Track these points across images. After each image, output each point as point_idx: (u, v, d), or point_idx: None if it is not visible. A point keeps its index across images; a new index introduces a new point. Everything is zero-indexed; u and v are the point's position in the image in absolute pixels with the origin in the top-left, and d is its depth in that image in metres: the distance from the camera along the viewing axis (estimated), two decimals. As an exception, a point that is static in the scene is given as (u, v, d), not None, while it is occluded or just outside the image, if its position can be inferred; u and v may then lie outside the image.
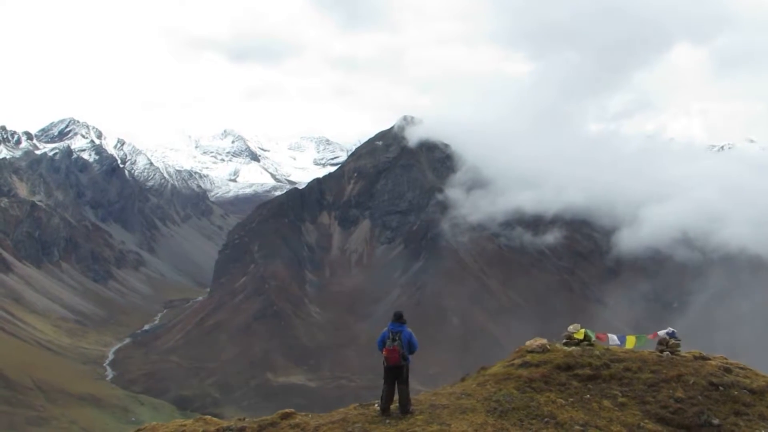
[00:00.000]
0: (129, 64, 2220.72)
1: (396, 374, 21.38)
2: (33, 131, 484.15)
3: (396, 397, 21.59)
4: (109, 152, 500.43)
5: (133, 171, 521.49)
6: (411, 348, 21.43)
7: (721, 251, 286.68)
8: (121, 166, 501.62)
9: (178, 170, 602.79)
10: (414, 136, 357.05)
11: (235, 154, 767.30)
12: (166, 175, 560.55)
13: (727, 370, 24.31)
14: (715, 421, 21.17)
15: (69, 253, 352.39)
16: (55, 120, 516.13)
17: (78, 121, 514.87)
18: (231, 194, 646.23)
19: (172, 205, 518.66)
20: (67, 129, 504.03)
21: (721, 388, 22.86)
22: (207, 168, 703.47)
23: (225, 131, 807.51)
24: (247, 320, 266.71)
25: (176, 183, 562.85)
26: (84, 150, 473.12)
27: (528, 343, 27.23)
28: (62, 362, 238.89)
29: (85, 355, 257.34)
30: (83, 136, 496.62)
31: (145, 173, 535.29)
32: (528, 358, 25.62)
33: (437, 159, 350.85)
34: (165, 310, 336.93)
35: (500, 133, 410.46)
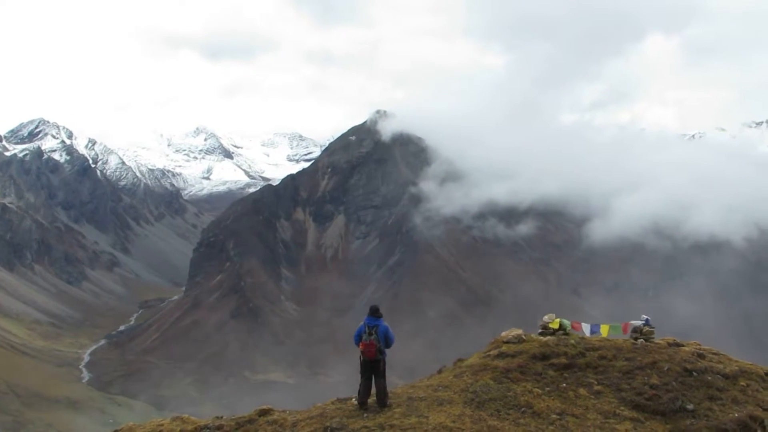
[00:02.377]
0: (100, 64, 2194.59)
1: (373, 368, 21.37)
2: (2, 132, 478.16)
3: (373, 391, 21.57)
4: (81, 152, 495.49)
5: (105, 171, 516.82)
6: (387, 342, 21.41)
7: (691, 239, 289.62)
8: (93, 166, 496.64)
9: (150, 169, 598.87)
10: (387, 130, 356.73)
11: (208, 152, 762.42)
12: (138, 174, 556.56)
13: (701, 356, 24.58)
14: (690, 407, 21.38)
15: (42, 255, 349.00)
16: (25, 121, 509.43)
17: (48, 122, 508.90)
18: (204, 192, 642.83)
19: (145, 204, 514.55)
20: (37, 129, 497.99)
21: (695, 373, 23.10)
22: (180, 166, 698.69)
23: (197, 129, 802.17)
24: (223, 318, 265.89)
25: (149, 182, 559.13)
26: (55, 150, 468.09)
27: (504, 333, 27.34)
28: (37, 365, 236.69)
29: (60, 358, 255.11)
30: (54, 137, 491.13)
31: (117, 173, 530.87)
32: (504, 348, 25.73)
33: (411, 153, 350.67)
34: (140, 311, 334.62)
35: (475, 126, 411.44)
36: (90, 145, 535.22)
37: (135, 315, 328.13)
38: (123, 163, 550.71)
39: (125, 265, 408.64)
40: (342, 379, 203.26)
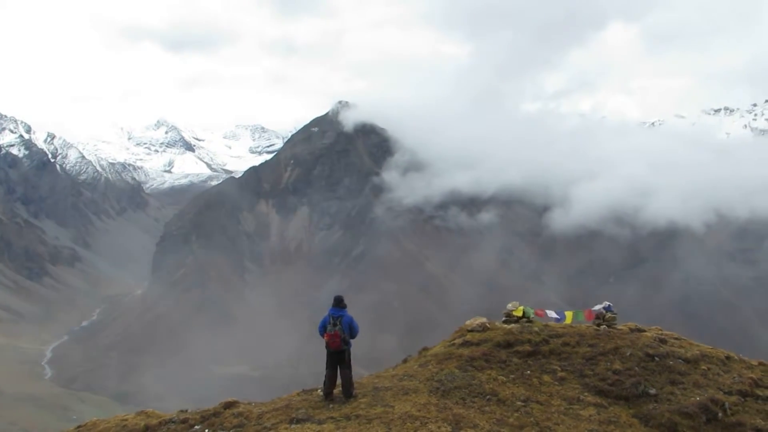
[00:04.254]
0: (59, 56, 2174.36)
1: (338, 359, 21.32)
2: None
3: (339, 381, 21.55)
4: (39, 147, 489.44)
5: (64, 165, 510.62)
6: (352, 332, 21.35)
7: (649, 226, 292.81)
8: (52, 160, 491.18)
9: (111, 163, 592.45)
10: (350, 121, 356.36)
11: (169, 145, 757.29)
12: (98, 168, 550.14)
13: (663, 341, 24.79)
14: (652, 391, 21.58)
15: (1, 251, 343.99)
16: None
17: (5, 116, 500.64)
18: (166, 185, 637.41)
19: (106, 198, 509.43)
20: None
21: (656, 358, 23.29)
22: (141, 160, 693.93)
23: (158, 122, 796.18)
24: (187, 312, 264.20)
25: (110, 176, 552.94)
26: (13, 145, 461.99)
27: (468, 322, 27.36)
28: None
29: (22, 355, 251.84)
30: (11, 131, 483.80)
31: (77, 167, 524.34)
32: (468, 337, 25.75)
33: (374, 143, 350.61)
34: (103, 306, 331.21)
35: (437, 116, 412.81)
36: (49, 139, 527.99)
37: (98, 310, 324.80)
38: (83, 157, 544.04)
39: (87, 260, 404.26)
40: (309, 371, 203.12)
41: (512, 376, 22.73)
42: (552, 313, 28.51)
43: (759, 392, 22.05)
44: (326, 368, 21.52)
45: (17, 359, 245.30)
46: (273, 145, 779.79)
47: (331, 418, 19.41)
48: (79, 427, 22.27)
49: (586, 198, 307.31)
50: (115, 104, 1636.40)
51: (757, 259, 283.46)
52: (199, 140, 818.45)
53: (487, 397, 20.94)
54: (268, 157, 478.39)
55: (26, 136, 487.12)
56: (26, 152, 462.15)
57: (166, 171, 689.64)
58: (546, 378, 22.64)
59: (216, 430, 19.68)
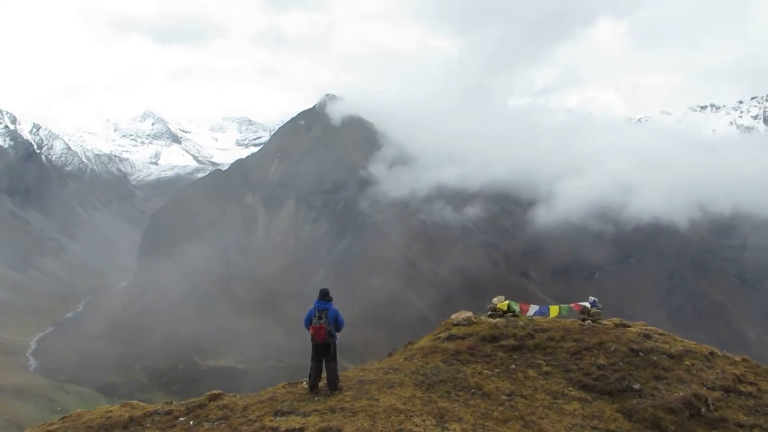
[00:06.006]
0: (45, 47, 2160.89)
1: (323, 351, 21.31)
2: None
3: (324, 374, 21.54)
4: (25, 137, 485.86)
5: (50, 156, 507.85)
6: (338, 325, 21.35)
7: (633, 222, 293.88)
8: (38, 151, 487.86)
9: (97, 154, 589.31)
10: (337, 114, 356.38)
11: (156, 137, 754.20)
12: (84, 159, 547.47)
13: (647, 337, 24.91)
14: (636, 386, 21.68)
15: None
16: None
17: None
18: (152, 177, 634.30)
19: (92, 189, 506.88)
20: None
21: (641, 354, 23.42)
22: (127, 151, 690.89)
23: (145, 113, 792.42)
24: (172, 304, 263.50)
25: (95, 167, 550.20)
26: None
27: (453, 316, 27.42)
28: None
29: (6, 346, 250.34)
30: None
31: (62, 158, 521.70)
32: (454, 331, 25.81)
33: (361, 137, 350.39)
34: (88, 297, 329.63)
35: (425, 110, 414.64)
36: (34, 130, 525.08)
37: (83, 302, 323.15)
38: (69, 148, 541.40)
39: (72, 252, 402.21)
40: (294, 363, 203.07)
41: (497, 370, 22.80)
42: (536, 308, 28.58)
43: (742, 388, 22.20)
44: (311, 361, 21.52)
45: (1, 350, 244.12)
46: (260, 137, 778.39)
47: (316, 410, 19.40)
48: (63, 418, 22.16)
49: (572, 194, 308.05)
50: (102, 96, 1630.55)
51: (741, 255, 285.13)
52: (186, 132, 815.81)
53: (472, 390, 20.98)
54: (255, 149, 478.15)
55: (11, 127, 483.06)
56: (11, 143, 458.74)
57: (152, 163, 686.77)
58: (531, 372, 22.72)
59: (201, 421, 19.64)
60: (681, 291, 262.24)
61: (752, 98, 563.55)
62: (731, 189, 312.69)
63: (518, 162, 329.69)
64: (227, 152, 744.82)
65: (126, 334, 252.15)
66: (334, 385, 21.19)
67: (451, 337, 25.22)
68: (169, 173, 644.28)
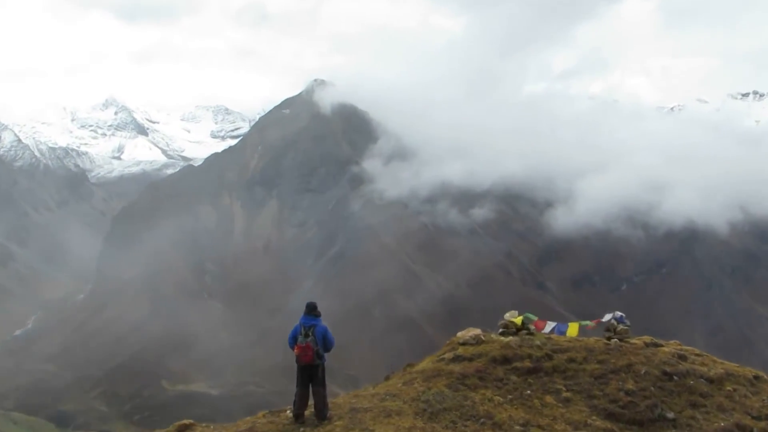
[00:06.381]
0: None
1: (310, 375, 21.19)
2: None
3: (311, 401, 21.47)
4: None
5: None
6: (327, 345, 21.22)
7: (665, 226, 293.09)
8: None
9: (51, 147, 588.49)
10: (327, 101, 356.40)
11: (119, 128, 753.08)
12: (37, 153, 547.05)
13: (682, 358, 24.85)
14: (670, 415, 21.61)
15: None
16: None
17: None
18: (115, 174, 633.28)
19: (45, 188, 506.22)
20: None
21: (675, 377, 23.35)
22: (86, 144, 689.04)
23: (107, 101, 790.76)
24: (137, 320, 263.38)
25: (50, 162, 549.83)
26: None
27: (460, 334, 27.36)
28: None
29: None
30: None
31: (12, 152, 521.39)
32: (460, 351, 25.75)
33: (354, 128, 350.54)
34: (40, 312, 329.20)
35: (427, 98, 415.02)
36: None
37: (33, 317, 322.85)
38: (19, 140, 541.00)
39: (21, 259, 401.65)
40: (276, 389, 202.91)
41: (510, 396, 22.73)
42: (553, 325, 28.48)
43: (792, 417, 22.14)
44: (296, 386, 21.42)
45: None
46: (238, 128, 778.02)
47: (302, 443, 19.36)
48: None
49: (594, 193, 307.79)
50: (59, 81, 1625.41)
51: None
52: (154, 123, 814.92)
53: (481, 420, 20.92)
54: (233, 142, 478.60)
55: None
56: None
57: (114, 157, 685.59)
58: (548, 399, 22.65)
59: (168, 456, 19.58)
60: (720, 305, 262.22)
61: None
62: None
63: (533, 156, 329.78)
64: (201, 145, 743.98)
65: (83, 355, 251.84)
66: (322, 414, 21.11)
67: (456, 359, 25.18)
68: (134, 169, 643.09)
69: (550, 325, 28.41)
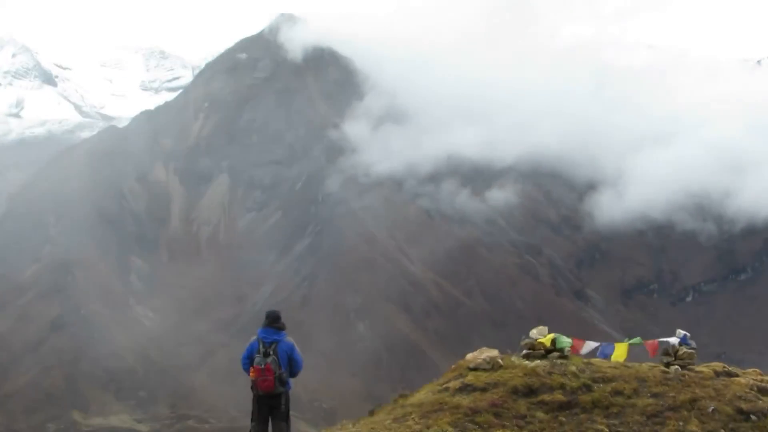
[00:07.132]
0: None
1: (270, 406, 21.14)
2: None
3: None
4: None
5: None
6: (293, 367, 21.15)
7: (744, 219, 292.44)
8: None
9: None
10: (297, 44, 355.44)
11: (18, 75, 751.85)
12: None
13: (763, 391, 24.90)
14: (746, 466, 21.71)
15: None
16: None
17: None
18: (12, 137, 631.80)
19: None
20: None
21: (753, 417, 23.38)
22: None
23: (3, 40, 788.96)
24: (40, 331, 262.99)
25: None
26: None
27: (470, 356, 27.39)
28: None
29: None
30: None
31: None
32: (470, 378, 25.79)
33: (332, 80, 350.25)
34: None
35: (430, 43, 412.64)
36: None
37: None
38: None
39: None
40: (223, 424, 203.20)
41: (535, 439, 22.81)
42: (593, 344, 28.52)
43: None
44: (252, 420, 21.39)
45: None
46: (178, 78, 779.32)
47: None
48: None
49: (652, 175, 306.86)
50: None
51: None
52: (64, 69, 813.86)
53: (497, 471, 21.02)
54: (170, 97, 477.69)
55: None
56: None
57: (12, 115, 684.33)
58: (586, 443, 22.73)
59: None
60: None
61: None
62: None
63: (572, 125, 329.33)
64: (126, 100, 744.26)
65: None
66: (286, 458, 21.17)
67: (465, 388, 25.23)
68: (38, 130, 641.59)
69: (590, 346, 28.44)
